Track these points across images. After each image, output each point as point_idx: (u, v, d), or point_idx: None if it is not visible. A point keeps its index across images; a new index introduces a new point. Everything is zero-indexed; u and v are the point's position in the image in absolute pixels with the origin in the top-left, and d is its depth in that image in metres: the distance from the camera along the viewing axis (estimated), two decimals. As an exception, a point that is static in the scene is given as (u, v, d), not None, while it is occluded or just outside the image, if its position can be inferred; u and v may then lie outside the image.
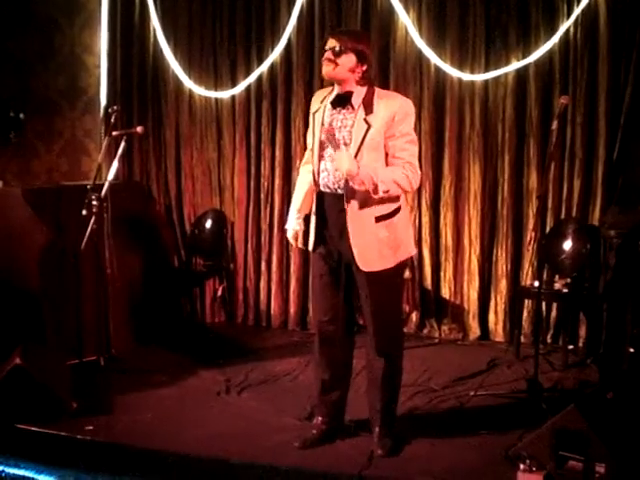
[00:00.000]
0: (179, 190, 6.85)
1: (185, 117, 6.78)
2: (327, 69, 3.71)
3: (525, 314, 5.87)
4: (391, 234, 3.78)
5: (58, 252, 5.35)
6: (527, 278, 5.84)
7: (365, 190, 3.63)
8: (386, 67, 6.18)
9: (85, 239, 4.90)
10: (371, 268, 3.77)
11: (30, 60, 7.16)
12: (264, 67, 6.44)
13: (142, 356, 5.63)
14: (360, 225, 3.73)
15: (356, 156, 3.64)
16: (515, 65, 5.83)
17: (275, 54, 6.39)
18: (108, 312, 5.36)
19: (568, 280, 5.53)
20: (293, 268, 6.49)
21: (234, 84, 6.56)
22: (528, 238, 5.74)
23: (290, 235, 4.16)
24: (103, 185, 5.11)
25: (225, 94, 6.60)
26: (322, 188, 3.82)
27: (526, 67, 5.81)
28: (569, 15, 5.66)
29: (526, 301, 5.80)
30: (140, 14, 6.80)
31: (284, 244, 6.50)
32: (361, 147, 3.67)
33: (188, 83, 6.70)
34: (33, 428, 4.19)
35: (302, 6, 6.28)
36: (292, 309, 6.52)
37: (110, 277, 5.32)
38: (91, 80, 7.09)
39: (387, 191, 3.64)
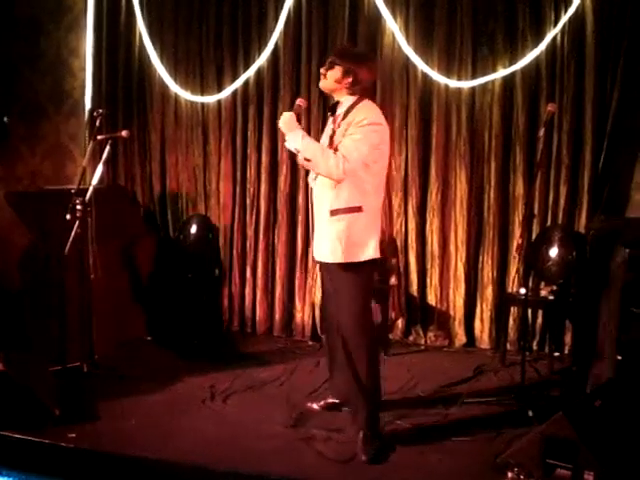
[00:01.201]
0: (164, 195, 6.81)
1: (171, 121, 6.75)
2: (320, 81, 4.24)
3: (511, 321, 5.85)
4: (345, 231, 4.03)
5: (41, 256, 5.30)
6: (513, 285, 5.85)
7: (327, 184, 4.06)
8: (373, 73, 6.17)
9: (69, 244, 4.86)
10: (320, 258, 4.19)
11: (15, 63, 7.14)
12: (251, 72, 6.42)
13: (126, 362, 5.57)
14: (319, 217, 4.18)
15: None
16: (502, 72, 5.83)
17: (262, 59, 6.37)
18: (92, 318, 5.31)
19: (554, 287, 5.54)
20: (278, 274, 6.47)
21: (220, 89, 6.54)
22: (515, 245, 5.74)
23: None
24: (87, 189, 5.07)
25: (211, 99, 6.58)
26: (313, 186, 4.27)
27: (513, 74, 5.82)
28: (556, 23, 5.68)
29: (512, 308, 5.79)
30: (126, 17, 6.78)
31: (269, 250, 6.49)
32: (330, 146, 4.08)
33: (174, 87, 6.67)
34: (15, 435, 4.13)
35: (289, 11, 6.27)
36: (277, 315, 6.50)
37: (94, 282, 5.28)
38: (76, 83, 7.06)
39: (309, 160, 4.02)
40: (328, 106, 4.32)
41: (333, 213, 4.06)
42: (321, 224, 4.17)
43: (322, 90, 4.32)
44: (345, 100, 4.16)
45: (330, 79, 4.16)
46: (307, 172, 6.20)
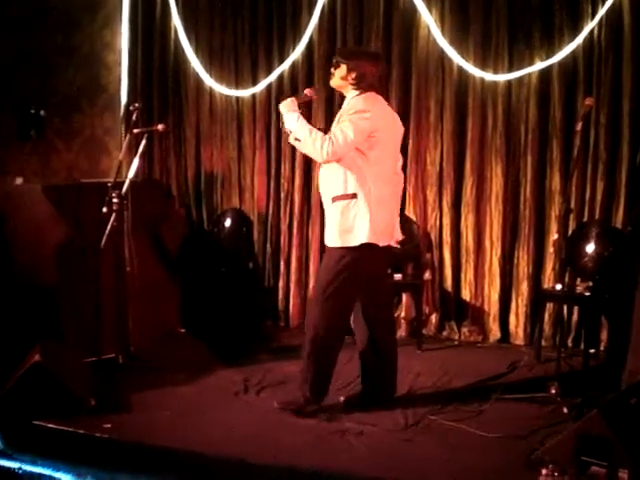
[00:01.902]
0: (198, 188, 6.85)
1: (205, 115, 6.78)
2: (330, 80, 4.54)
3: (546, 317, 5.80)
4: (343, 217, 4.28)
5: (78, 249, 5.35)
6: (549, 281, 5.80)
7: (327, 172, 4.37)
8: (408, 67, 6.16)
9: (105, 237, 4.89)
10: (327, 243, 4.42)
11: (51, 58, 7.22)
12: (285, 66, 6.43)
13: (161, 354, 5.61)
14: (325, 204, 4.46)
15: None
16: (539, 65, 5.78)
17: (296, 53, 6.38)
18: (127, 310, 5.35)
19: (590, 283, 5.47)
20: (312, 268, 6.46)
21: (255, 83, 6.55)
22: (551, 240, 5.70)
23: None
24: (123, 183, 5.10)
25: (246, 93, 6.60)
26: None
27: (550, 67, 5.76)
28: (593, 16, 5.61)
29: (547, 304, 5.73)
30: (161, 12, 6.82)
31: (303, 244, 6.50)
32: None
33: (209, 81, 6.70)
34: (51, 425, 4.17)
35: (324, 5, 6.27)
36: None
37: (130, 275, 5.32)
38: (111, 78, 7.11)
39: (298, 140, 4.34)
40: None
41: (335, 199, 4.33)
42: (325, 209, 4.48)
43: (333, 88, 4.64)
44: (349, 95, 4.44)
45: (337, 77, 4.44)
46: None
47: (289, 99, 4.48)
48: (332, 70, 4.48)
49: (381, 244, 4.36)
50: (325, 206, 4.47)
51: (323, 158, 4.26)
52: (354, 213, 4.27)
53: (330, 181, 4.36)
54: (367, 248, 4.28)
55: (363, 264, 4.32)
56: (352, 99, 4.38)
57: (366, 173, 4.27)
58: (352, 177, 4.27)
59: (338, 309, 4.39)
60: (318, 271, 4.58)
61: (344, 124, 4.24)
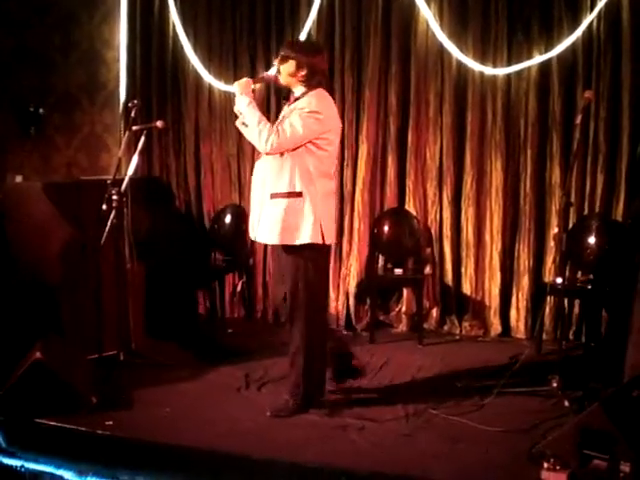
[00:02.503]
0: (198, 185, 6.85)
1: (205, 112, 6.77)
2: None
3: (547, 310, 5.80)
4: (285, 215, 4.21)
5: (78, 247, 5.34)
6: (549, 274, 5.80)
7: (269, 167, 4.27)
8: (407, 61, 6.16)
9: (105, 234, 4.89)
10: (256, 238, 4.40)
11: (49, 55, 7.21)
12: (284, 61, 6.40)
13: (161, 351, 5.60)
14: (259, 197, 4.32)
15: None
16: (538, 59, 5.78)
17: (295, 49, 6.35)
18: (128, 307, 5.36)
19: (591, 276, 5.47)
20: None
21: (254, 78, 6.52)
22: (551, 234, 5.70)
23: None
24: (123, 180, 5.10)
25: (244, 89, 6.57)
26: None
27: (549, 61, 5.76)
28: (592, 8, 5.61)
29: (548, 297, 5.72)
30: (159, 8, 6.82)
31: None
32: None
33: (208, 77, 6.69)
34: (52, 423, 4.18)
35: (322, 0, 6.24)
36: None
37: (130, 272, 5.32)
38: (110, 75, 7.11)
39: (245, 125, 4.28)
40: (283, 96, 4.53)
41: (273, 196, 4.24)
42: (260, 204, 4.32)
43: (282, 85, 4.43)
44: (297, 90, 4.33)
45: (284, 73, 4.31)
46: (341, 161, 6.26)
47: (244, 79, 4.37)
48: (276, 64, 4.37)
49: (327, 242, 4.34)
50: (257, 201, 4.34)
51: (265, 149, 4.21)
52: (300, 212, 4.23)
53: (273, 177, 4.26)
54: (310, 248, 4.26)
55: (309, 263, 4.31)
56: (305, 96, 4.27)
57: (313, 172, 4.24)
58: (299, 176, 4.22)
59: (309, 304, 4.38)
60: (285, 276, 4.39)
61: (294, 119, 4.18)
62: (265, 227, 4.29)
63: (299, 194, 4.22)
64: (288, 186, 4.22)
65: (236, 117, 6.28)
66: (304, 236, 4.23)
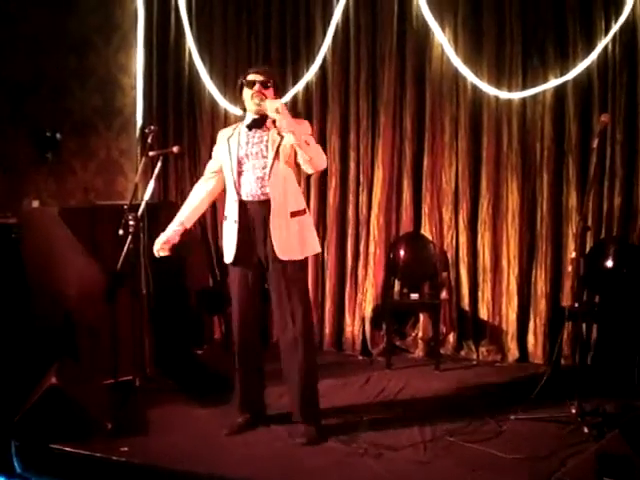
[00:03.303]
0: (214, 209, 6.85)
1: (220, 136, 6.78)
2: (257, 101, 4.29)
3: (565, 335, 5.75)
4: (300, 230, 4.38)
5: (94, 272, 5.35)
6: (567, 299, 5.76)
7: (283, 189, 4.31)
8: (422, 86, 6.16)
9: (121, 259, 4.89)
10: (289, 257, 4.33)
11: (66, 80, 7.27)
12: (299, 87, 6.44)
13: (177, 377, 5.58)
14: (280, 220, 4.32)
15: (273, 163, 4.29)
16: (553, 82, 5.77)
17: (310, 74, 6.39)
18: (143, 332, 5.35)
19: (608, 300, 5.43)
20: (328, 288, 6.46)
21: (269, 104, 6.55)
22: (568, 258, 5.67)
23: (159, 242, 4.57)
24: (139, 205, 5.11)
25: (261, 114, 6.59)
26: (245, 197, 4.36)
27: (564, 84, 5.75)
28: (607, 32, 5.61)
29: (566, 322, 5.68)
30: (175, 34, 6.86)
31: (319, 264, 6.46)
32: (277, 155, 4.30)
33: (223, 103, 6.72)
34: (67, 448, 4.17)
35: (337, 25, 6.28)
36: (327, 329, 6.48)
37: (146, 297, 5.32)
38: (127, 100, 7.16)
39: (307, 143, 4.17)
40: (248, 124, 4.40)
41: (293, 215, 4.37)
42: (281, 225, 4.32)
43: (255, 109, 4.34)
44: (263, 114, 4.33)
45: (270, 98, 4.30)
46: (357, 186, 6.26)
47: (273, 100, 4.26)
48: (262, 89, 4.31)
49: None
50: (277, 220, 4.31)
51: (323, 166, 4.40)
52: (310, 226, 4.52)
53: (289, 196, 4.35)
54: (306, 260, 4.58)
55: (306, 274, 4.76)
56: (297, 120, 4.33)
57: None
58: (300, 193, 4.54)
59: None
60: (289, 288, 4.38)
61: (311, 140, 4.24)
62: (287, 245, 4.32)
63: (305, 210, 4.48)
64: (300, 203, 4.44)
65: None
66: (316, 247, 4.57)
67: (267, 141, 4.35)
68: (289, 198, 4.35)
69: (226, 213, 4.47)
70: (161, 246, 4.56)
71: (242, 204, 4.37)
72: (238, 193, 4.37)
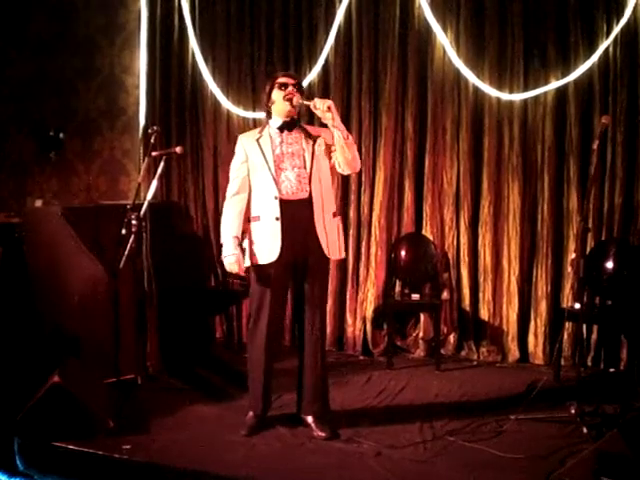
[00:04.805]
0: (216, 210, 6.87)
1: (223, 137, 6.81)
2: (295, 102, 4.36)
3: (565, 336, 5.77)
4: (339, 230, 4.53)
5: (97, 271, 5.37)
6: (567, 300, 5.77)
7: (324, 189, 4.38)
8: (424, 87, 6.18)
9: (124, 258, 4.91)
10: (335, 256, 4.48)
11: (70, 80, 7.29)
12: (302, 87, 6.45)
13: (179, 375, 5.61)
14: (324, 219, 4.38)
15: (312, 162, 4.36)
16: (554, 84, 5.79)
17: (312, 74, 6.41)
18: (145, 331, 5.37)
19: (609, 302, 5.45)
20: (329, 288, 6.44)
21: (272, 104, 6.57)
22: (569, 259, 5.68)
23: (233, 260, 4.42)
24: (142, 204, 5.13)
25: (263, 114, 6.59)
26: (285, 196, 4.35)
27: (565, 86, 5.77)
28: (608, 34, 5.63)
29: (567, 323, 5.70)
30: (179, 35, 6.89)
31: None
32: (314, 155, 4.37)
33: (226, 104, 6.74)
34: (70, 446, 4.19)
35: (339, 27, 6.30)
36: (328, 329, 6.45)
37: (148, 296, 5.34)
38: (130, 100, 7.18)
39: (348, 138, 4.28)
40: (279, 126, 4.44)
41: (335, 215, 4.51)
42: (326, 225, 4.38)
43: (292, 111, 4.40)
44: (293, 117, 4.45)
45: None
46: (358, 186, 6.29)
47: (321, 99, 4.32)
48: (294, 90, 4.38)
49: None
50: (322, 220, 4.36)
51: (359, 167, 4.55)
52: (341, 228, 4.60)
53: (328, 198, 4.44)
54: None
55: None
56: (320, 127, 4.53)
57: None
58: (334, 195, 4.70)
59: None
60: (321, 287, 4.54)
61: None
62: (331, 243, 4.41)
63: (337, 211, 4.63)
64: (335, 204, 4.63)
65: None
66: (343, 249, 4.61)
67: (303, 140, 4.42)
68: (329, 198, 4.46)
69: (258, 212, 4.40)
70: (239, 268, 4.46)
71: (282, 202, 4.35)
72: (279, 191, 4.34)
